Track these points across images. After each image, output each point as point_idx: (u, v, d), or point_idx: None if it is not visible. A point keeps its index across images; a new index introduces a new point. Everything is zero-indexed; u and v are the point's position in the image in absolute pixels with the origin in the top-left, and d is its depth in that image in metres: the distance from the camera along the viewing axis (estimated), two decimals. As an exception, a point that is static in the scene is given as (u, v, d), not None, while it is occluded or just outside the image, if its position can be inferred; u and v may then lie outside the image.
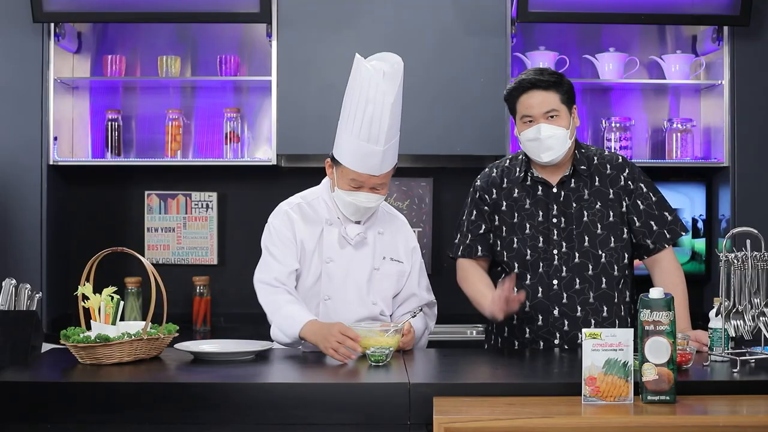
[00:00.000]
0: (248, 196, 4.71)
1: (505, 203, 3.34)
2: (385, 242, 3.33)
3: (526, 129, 3.23)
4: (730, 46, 4.43)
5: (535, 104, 3.21)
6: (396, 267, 3.33)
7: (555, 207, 3.28)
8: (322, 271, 3.25)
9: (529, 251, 3.28)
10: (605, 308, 3.26)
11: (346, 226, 3.27)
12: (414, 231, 3.48)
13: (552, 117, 3.20)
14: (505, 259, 3.33)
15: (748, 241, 2.84)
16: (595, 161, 3.32)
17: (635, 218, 3.28)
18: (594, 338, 2.49)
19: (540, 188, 3.31)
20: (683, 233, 3.33)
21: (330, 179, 3.28)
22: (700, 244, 4.66)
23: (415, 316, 3.23)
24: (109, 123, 4.58)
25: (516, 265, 3.30)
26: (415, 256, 3.40)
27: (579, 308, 3.25)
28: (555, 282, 3.26)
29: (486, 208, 3.37)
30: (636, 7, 4.35)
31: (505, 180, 3.36)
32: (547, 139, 3.20)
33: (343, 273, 3.26)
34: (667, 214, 3.30)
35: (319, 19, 4.35)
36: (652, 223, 3.27)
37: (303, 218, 3.28)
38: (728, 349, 2.86)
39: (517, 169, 3.35)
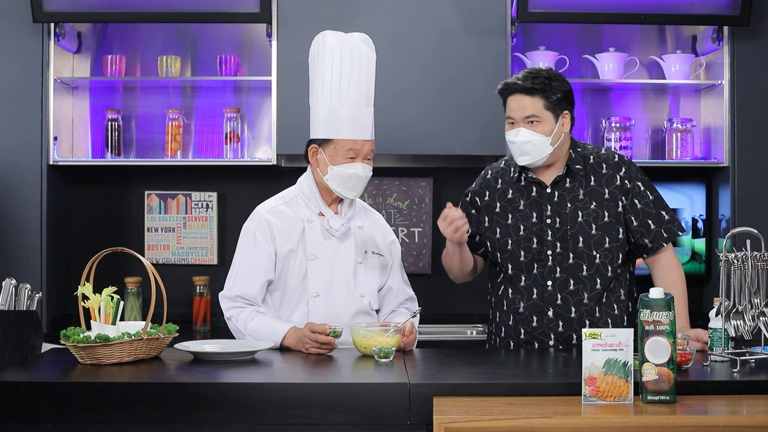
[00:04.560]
0: (248, 196, 4.69)
1: (498, 204, 3.35)
2: (365, 236, 3.36)
3: (508, 130, 3.26)
4: (730, 46, 4.43)
5: (516, 108, 3.22)
6: (378, 260, 3.37)
7: (549, 207, 3.28)
8: (307, 269, 3.26)
9: (522, 252, 3.28)
10: (600, 309, 3.26)
11: (329, 219, 3.29)
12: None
13: (532, 122, 3.20)
14: (499, 260, 3.33)
15: (748, 241, 2.84)
16: (591, 160, 3.31)
17: (632, 218, 3.27)
18: (594, 338, 2.49)
19: (534, 189, 3.31)
20: (680, 233, 3.31)
21: (317, 165, 3.30)
22: (700, 244, 4.66)
23: (415, 315, 3.24)
24: (109, 123, 4.58)
25: (510, 266, 3.30)
26: (394, 249, 3.44)
27: (573, 309, 3.25)
28: (549, 283, 3.26)
29: (474, 211, 3.39)
30: (636, 7, 4.35)
31: (500, 181, 3.37)
32: (523, 144, 3.21)
33: (328, 268, 3.28)
34: (664, 213, 3.29)
35: (319, 19, 4.35)
36: (650, 222, 3.27)
37: (282, 221, 3.29)
38: (728, 349, 2.86)
39: (512, 170, 3.35)
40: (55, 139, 4.41)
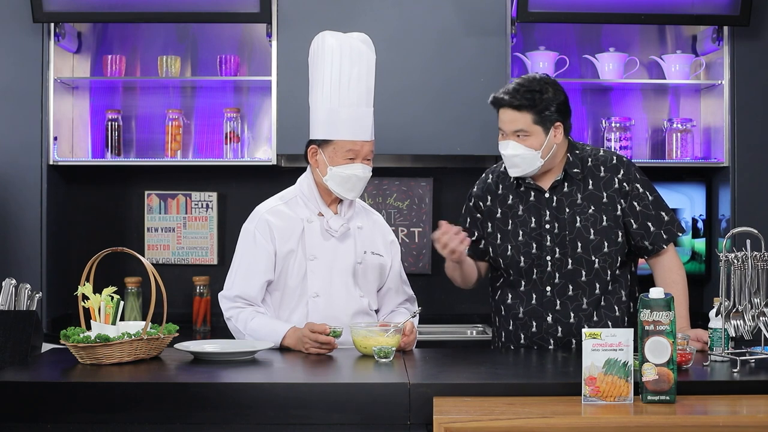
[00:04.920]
0: (248, 196, 4.69)
1: (500, 210, 3.34)
2: (364, 236, 3.36)
3: (500, 141, 3.25)
4: (730, 46, 4.43)
5: (505, 121, 3.21)
6: (377, 260, 3.36)
7: (547, 213, 3.27)
8: (306, 269, 3.26)
9: (522, 258, 3.28)
10: (599, 313, 3.25)
11: (328, 219, 3.29)
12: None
13: (519, 136, 3.19)
14: (501, 265, 3.33)
15: (748, 241, 2.84)
16: (590, 163, 3.29)
17: (632, 220, 3.26)
18: (594, 338, 2.49)
19: (532, 194, 3.30)
20: (680, 233, 3.30)
21: (317, 166, 3.29)
22: (700, 244, 4.66)
23: (415, 315, 3.24)
24: (109, 123, 4.58)
25: (511, 272, 3.30)
26: (393, 249, 3.44)
27: (572, 314, 3.24)
28: (548, 288, 3.25)
29: (479, 215, 3.38)
30: (636, 7, 4.35)
31: (500, 186, 3.36)
32: (512, 157, 3.21)
33: (327, 268, 3.28)
34: (663, 214, 3.28)
35: (319, 19, 4.35)
36: (649, 224, 3.26)
37: (282, 221, 3.29)
38: (728, 349, 2.86)
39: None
40: (55, 139, 4.41)
